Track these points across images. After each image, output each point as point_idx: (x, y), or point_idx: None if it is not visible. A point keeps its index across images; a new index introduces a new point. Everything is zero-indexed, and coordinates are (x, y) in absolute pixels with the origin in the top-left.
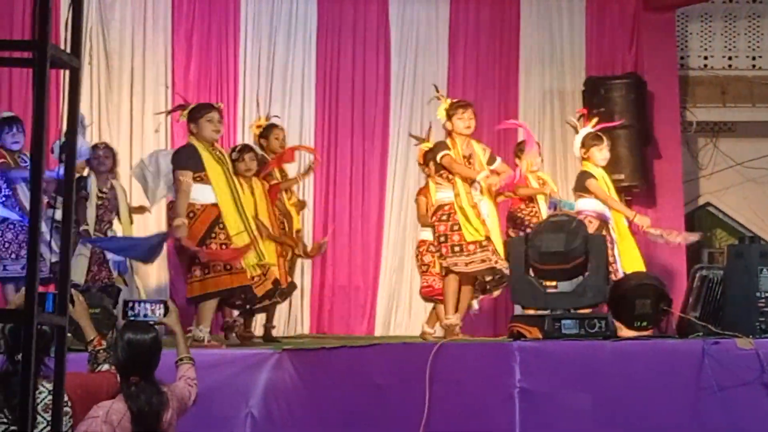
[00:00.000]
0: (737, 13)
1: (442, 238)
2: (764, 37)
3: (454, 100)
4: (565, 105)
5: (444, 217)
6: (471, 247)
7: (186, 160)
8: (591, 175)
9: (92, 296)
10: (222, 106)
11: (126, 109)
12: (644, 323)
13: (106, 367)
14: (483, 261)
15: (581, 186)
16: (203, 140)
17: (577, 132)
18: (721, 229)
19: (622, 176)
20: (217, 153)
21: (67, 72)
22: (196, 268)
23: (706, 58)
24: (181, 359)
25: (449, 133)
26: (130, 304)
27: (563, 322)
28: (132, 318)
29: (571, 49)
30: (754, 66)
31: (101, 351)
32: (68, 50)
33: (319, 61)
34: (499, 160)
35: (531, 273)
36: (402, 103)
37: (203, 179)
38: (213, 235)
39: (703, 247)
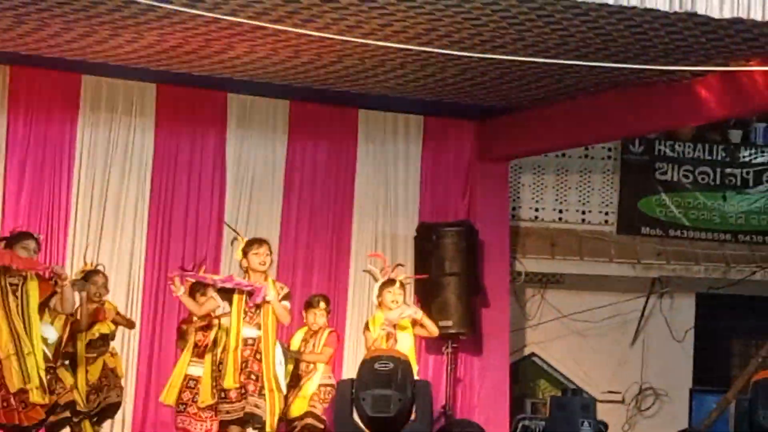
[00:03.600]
0: (569, 167)
1: None
2: (594, 192)
3: (251, 238)
4: (397, 249)
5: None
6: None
7: None
8: (366, 324)
9: None
10: (41, 237)
11: None
12: None
13: None
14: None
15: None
16: None
17: (376, 280)
18: (544, 380)
19: (450, 323)
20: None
21: None
22: None
23: (537, 210)
24: None
25: (246, 271)
26: None
27: None
28: None
29: (405, 193)
30: (583, 220)
31: None
32: None
33: (153, 195)
34: (286, 303)
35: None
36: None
37: None
38: None
39: (526, 397)
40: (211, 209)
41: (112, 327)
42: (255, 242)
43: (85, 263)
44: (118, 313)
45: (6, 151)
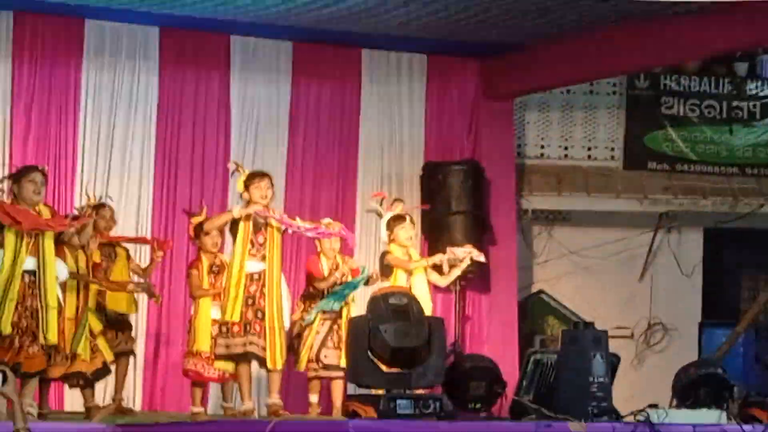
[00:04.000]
0: (574, 103)
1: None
2: (600, 128)
3: (253, 171)
4: (403, 189)
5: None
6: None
7: None
8: (387, 252)
9: None
10: (46, 168)
11: None
12: (478, 405)
13: None
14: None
15: (384, 269)
16: (22, 202)
17: (380, 216)
18: (553, 316)
19: None
20: None
21: None
22: None
23: (542, 147)
24: (17, 430)
25: (247, 204)
26: None
27: (398, 401)
28: None
29: (410, 133)
30: (589, 156)
31: None
32: None
33: (159, 137)
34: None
35: (370, 353)
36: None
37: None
38: None
39: (535, 333)
40: (217, 151)
41: (128, 307)
42: (257, 175)
43: (89, 197)
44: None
45: (12, 98)
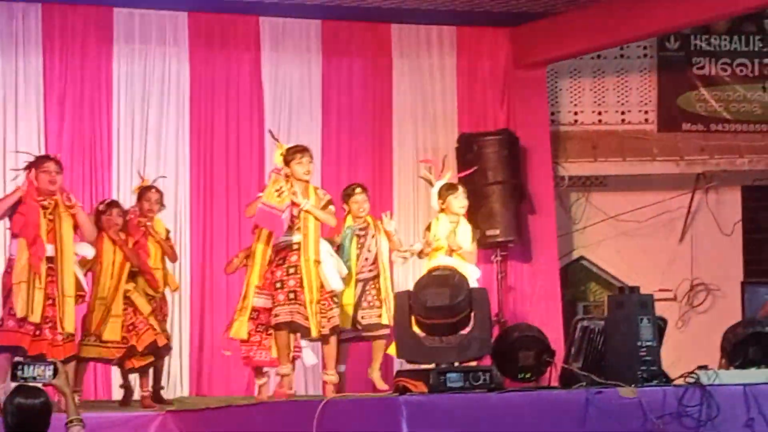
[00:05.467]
0: (605, 68)
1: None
2: (632, 91)
3: (291, 146)
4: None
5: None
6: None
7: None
8: (426, 229)
9: None
10: (59, 156)
11: None
12: (528, 375)
13: None
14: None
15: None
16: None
17: (431, 185)
18: (594, 282)
19: (497, 231)
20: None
21: None
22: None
23: (576, 113)
24: (71, 421)
25: (287, 178)
26: (19, 366)
27: (448, 375)
28: (21, 380)
29: (443, 106)
30: (623, 120)
31: None
32: None
33: (193, 121)
34: (331, 207)
35: (416, 328)
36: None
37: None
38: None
39: (577, 300)
40: (251, 133)
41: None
42: (298, 151)
43: (142, 178)
44: (167, 239)
45: (44, 90)
